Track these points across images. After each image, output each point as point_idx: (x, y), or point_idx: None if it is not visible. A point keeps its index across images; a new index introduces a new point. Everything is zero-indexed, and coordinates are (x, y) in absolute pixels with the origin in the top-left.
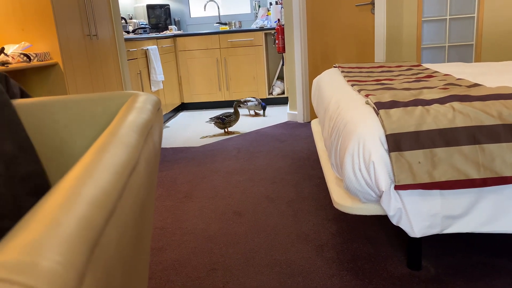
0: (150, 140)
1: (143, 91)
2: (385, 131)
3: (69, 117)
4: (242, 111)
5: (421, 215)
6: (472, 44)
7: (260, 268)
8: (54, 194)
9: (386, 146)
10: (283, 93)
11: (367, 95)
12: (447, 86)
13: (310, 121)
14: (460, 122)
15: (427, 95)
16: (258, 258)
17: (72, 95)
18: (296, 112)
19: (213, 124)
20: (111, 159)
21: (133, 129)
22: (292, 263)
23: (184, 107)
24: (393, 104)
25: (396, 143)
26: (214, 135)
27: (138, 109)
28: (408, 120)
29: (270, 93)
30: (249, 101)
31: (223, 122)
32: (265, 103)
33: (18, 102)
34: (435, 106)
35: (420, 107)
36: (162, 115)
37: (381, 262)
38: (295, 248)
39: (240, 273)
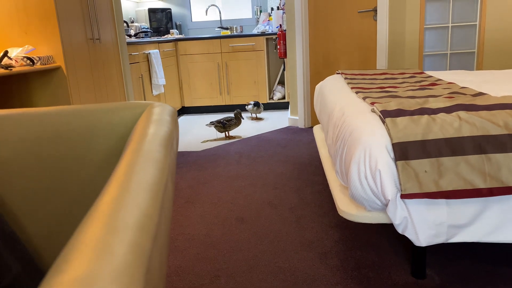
0: (172, 152)
1: (144, 94)
2: (391, 139)
3: (84, 126)
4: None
5: (427, 224)
6: (474, 51)
7: (264, 276)
8: (96, 217)
9: (392, 155)
10: (283, 98)
11: (372, 103)
12: (452, 95)
13: (311, 127)
14: (466, 132)
15: (433, 103)
16: (262, 265)
17: (87, 104)
18: (297, 117)
19: (213, 128)
20: (145, 178)
21: (159, 143)
22: (296, 270)
23: (184, 111)
24: (399, 113)
25: (403, 151)
26: (216, 139)
27: (158, 121)
28: (414, 129)
29: (271, 98)
30: (247, 104)
31: (223, 126)
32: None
33: (33, 110)
34: (442, 115)
35: (426, 116)
36: (178, 125)
37: (385, 270)
38: (298, 255)
39: (243, 281)
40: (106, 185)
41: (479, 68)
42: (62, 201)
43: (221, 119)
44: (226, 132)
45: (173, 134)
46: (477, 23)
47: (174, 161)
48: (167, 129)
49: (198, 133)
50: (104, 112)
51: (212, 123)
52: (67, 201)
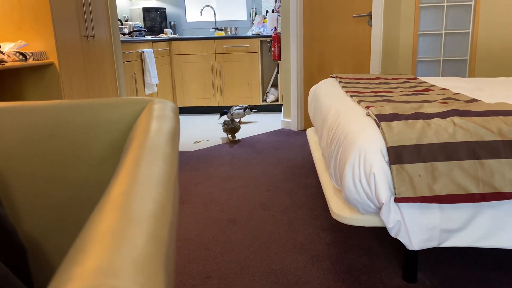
0: (176, 147)
1: (137, 93)
2: (386, 143)
3: (84, 121)
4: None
5: (419, 228)
6: (466, 59)
7: (256, 277)
8: (109, 209)
9: (387, 158)
10: (277, 100)
11: (367, 107)
12: (446, 101)
13: (304, 129)
14: (460, 137)
15: (428, 108)
16: (254, 266)
17: (87, 99)
18: (290, 120)
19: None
20: (156, 171)
21: (166, 138)
22: (288, 272)
23: None
24: (394, 117)
25: (397, 155)
26: (227, 136)
27: (161, 117)
28: (409, 133)
29: (264, 100)
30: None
31: (224, 124)
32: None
33: (32, 104)
34: (436, 120)
35: (421, 120)
36: (179, 121)
37: (377, 274)
38: (290, 258)
39: (235, 282)
40: (115, 178)
41: (471, 75)
42: (60, 196)
43: (225, 121)
44: (230, 136)
45: (177, 129)
46: (470, 30)
47: (178, 156)
48: (171, 124)
49: (190, 133)
50: (105, 107)
51: (223, 121)
52: (65, 195)
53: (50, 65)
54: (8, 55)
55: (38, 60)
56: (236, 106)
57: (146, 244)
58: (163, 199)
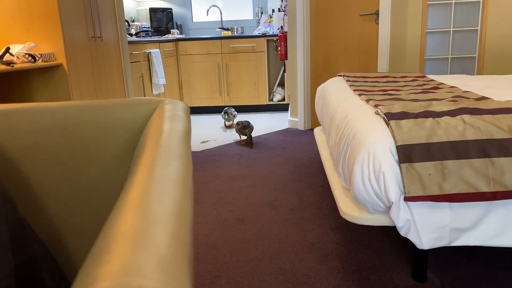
0: (189, 147)
1: (144, 94)
2: (395, 142)
3: (96, 121)
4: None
5: (429, 227)
6: (475, 56)
7: (265, 277)
8: (130, 209)
9: (396, 157)
10: (283, 99)
11: (376, 105)
12: (455, 99)
13: (311, 129)
14: (470, 135)
15: (437, 107)
16: (263, 266)
17: (99, 100)
18: (297, 119)
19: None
20: (173, 171)
21: (179, 139)
22: (297, 272)
23: None
24: (403, 115)
25: (407, 154)
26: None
27: (174, 117)
28: (418, 132)
29: (271, 100)
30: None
31: (237, 124)
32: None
33: (45, 105)
34: (446, 118)
35: (430, 119)
36: (191, 121)
37: (386, 273)
38: (299, 257)
39: (244, 281)
40: (131, 178)
41: (480, 73)
42: (72, 196)
43: (240, 121)
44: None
45: (189, 130)
46: (478, 28)
47: (191, 156)
48: (183, 124)
49: (197, 133)
50: (116, 108)
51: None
52: (77, 196)
53: (59, 66)
54: (17, 57)
55: (46, 61)
56: (229, 108)
57: (170, 244)
58: (182, 198)
